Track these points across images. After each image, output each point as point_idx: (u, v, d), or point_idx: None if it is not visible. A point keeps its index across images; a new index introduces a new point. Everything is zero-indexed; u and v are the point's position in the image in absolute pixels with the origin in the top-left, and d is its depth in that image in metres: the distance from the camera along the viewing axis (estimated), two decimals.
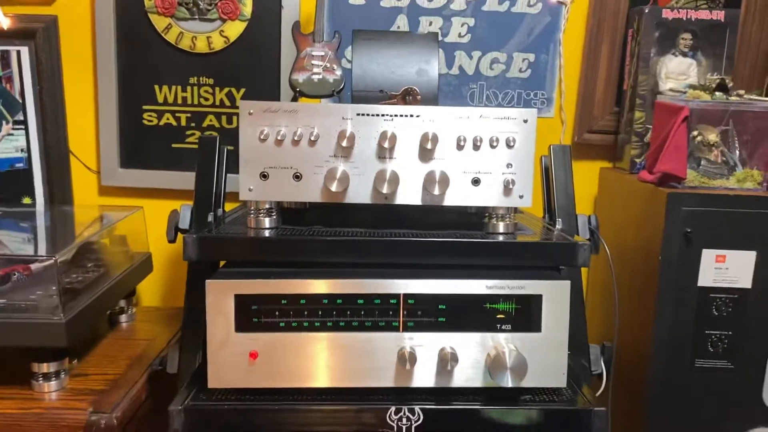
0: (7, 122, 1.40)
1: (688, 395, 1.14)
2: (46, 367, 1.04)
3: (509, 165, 1.01)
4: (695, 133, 1.11)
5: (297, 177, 1.00)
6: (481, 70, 1.46)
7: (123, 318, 1.34)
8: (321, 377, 0.93)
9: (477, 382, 0.95)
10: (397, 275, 0.95)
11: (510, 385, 0.92)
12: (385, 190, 0.98)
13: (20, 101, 1.39)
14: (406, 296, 0.94)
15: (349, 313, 0.94)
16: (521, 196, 1.02)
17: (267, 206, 1.03)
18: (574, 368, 1.06)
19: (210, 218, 1.10)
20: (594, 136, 1.45)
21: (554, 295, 0.94)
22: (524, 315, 0.94)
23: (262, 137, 0.99)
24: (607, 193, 1.42)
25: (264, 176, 1.00)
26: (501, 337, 0.94)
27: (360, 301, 0.94)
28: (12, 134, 1.41)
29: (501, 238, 1.01)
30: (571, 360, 1.07)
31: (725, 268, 1.10)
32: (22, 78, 1.39)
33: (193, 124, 1.44)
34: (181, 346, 1.06)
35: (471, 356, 0.94)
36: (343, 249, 0.96)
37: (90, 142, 1.45)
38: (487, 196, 1.01)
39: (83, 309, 1.07)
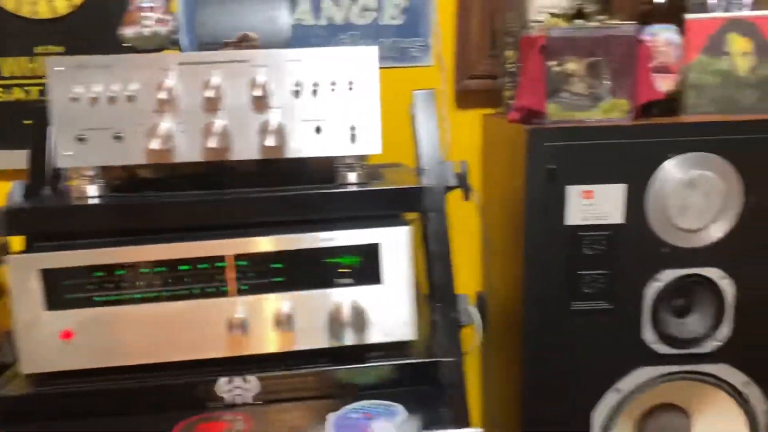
0: None
1: (567, 340, 1.09)
2: None
3: (352, 109, 0.94)
4: (553, 63, 1.04)
5: (118, 138, 0.92)
6: (352, 19, 1.38)
7: None
8: (146, 353, 0.86)
9: (318, 343, 0.88)
10: (224, 236, 0.87)
11: (352, 342, 0.86)
12: (212, 144, 0.90)
13: None
14: (237, 257, 0.86)
15: (171, 281, 0.86)
16: (368, 142, 0.95)
17: (91, 173, 0.94)
18: (441, 321, 1.01)
19: (47, 192, 1.02)
20: (474, 82, 1.38)
21: (393, 244, 0.87)
22: (363, 267, 0.87)
23: (73, 96, 0.90)
24: (490, 140, 1.36)
25: (81, 139, 0.91)
26: (340, 292, 0.87)
27: (184, 267, 0.86)
28: None
29: (353, 189, 0.94)
30: (440, 312, 1.02)
31: (594, 204, 1.05)
32: None
33: (43, 98, 1.33)
34: None
35: (310, 316, 0.87)
36: (159, 212, 0.89)
37: None
38: (332, 145, 0.94)
39: None
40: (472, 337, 1.09)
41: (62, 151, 0.91)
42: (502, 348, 1.22)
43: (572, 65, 1.06)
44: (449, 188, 1.09)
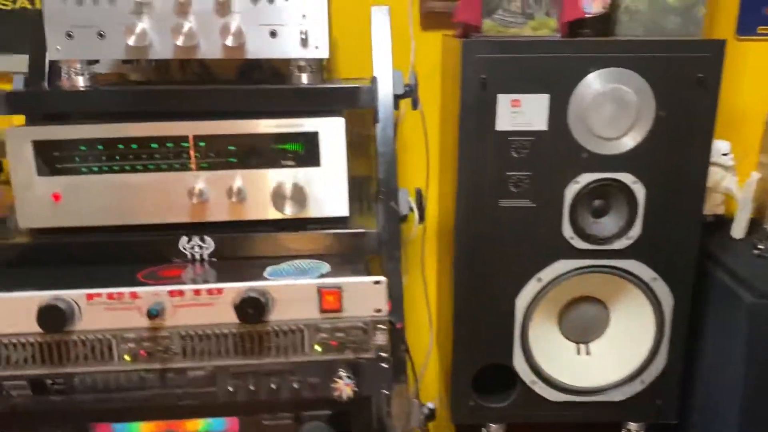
0: None
1: (494, 233, 1.23)
2: None
3: (304, 16, 1.07)
4: None
5: (101, 35, 1.06)
6: None
7: None
8: (120, 216, 1.03)
9: (267, 215, 1.04)
10: (189, 120, 1.02)
11: (292, 214, 1.02)
12: (180, 42, 1.05)
13: None
14: (197, 138, 1.02)
15: (144, 156, 1.02)
16: (317, 47, 1.08)
17: (78, 66, 1.09)
18: (383, 210, 1.16)
19: (44, 87, 1.17)
20: (438, 4, 1.50)
21: (330, 132, 1.02)
22: (304, 151, 1.03)
23: None
24: (446, 58, 1.48)
25: (69, 35, 1.06)
26: (284, 172, 1.03)
27: (153, 145, 1.02)
28: None
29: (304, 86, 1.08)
30: (382, 203, 1.17)
31: (521, 112, 1.18)
32: None
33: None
34: None
35: (260, 191, 1.03)
36: (134, 98, 1.04)
37: None
38: (284, 48, 1.08)
39: None
40: (410, 228, 1.25)
41: (53, 46, 1.06)
42: (440, 241, 1.38)
43: None
44: (398, 96, 1.23)
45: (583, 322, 1.34)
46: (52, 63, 1.21)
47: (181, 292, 0.88)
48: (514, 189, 1.22)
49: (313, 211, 1.03)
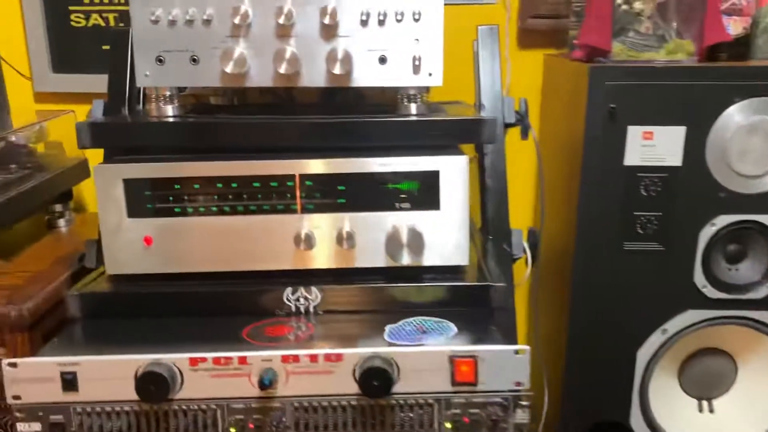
0: None
1: (616, 279, 1.11)
2: None
3: (417, 40, 0.96)
4: (620, 1, 1.04)
5: (194, 60, 0.96)
6: None
7: (61, 222, 1.35)
8: (217, 262, 0.92)
9: (377, 262, 0.93)
10: (293, 157, 0.92)
11: (408, 263, 0.90)
12: (283, 70, 0.95)
13: None
14: (303, 177, 0.91)
15: (245, 196, 0.92)
16: (430, 74, 0.97)
17: (167, 93, 1.00)
18: (494, 253, 1.04)
19: (124, 112, 1.08)
20: (539, 21, 1.38)
21: (451, 171, 0.90)
22: (422, 192, 0.91)
23: (154, 18, 0.95)
24: (550, 81, 1.36)
25: (160, 60, 0.97)
26: (399, 215, 0.91)
27: (256, 184, 0.91)
28: None
29: (415, 118, 0.97)
30: (493, 245, 1.06)
31: (653, 146, 1.05)
32: None
33: (122, 24, 1.39)
34: (98, 241, 1.06)
35: (370, 236, 0.92)
36: (230, 132, 0.94)
37: (20, 47, 1.42)
38: (395, 75, 0.97)
39: None
40: (522, 270, 1.13)
41: (141, 72, 0.97)
42: (552, 284, 1.25)
43: (640, 4, 1.05)
44: (508, 125, 1.11)
45: (707, 376, 1.20)
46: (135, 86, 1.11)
47: (296, 358, 0.77)
48: (642, 231, 1.09)
49: (430, 260, 0.92)
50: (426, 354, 0.78)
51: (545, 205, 1.23)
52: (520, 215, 1.45)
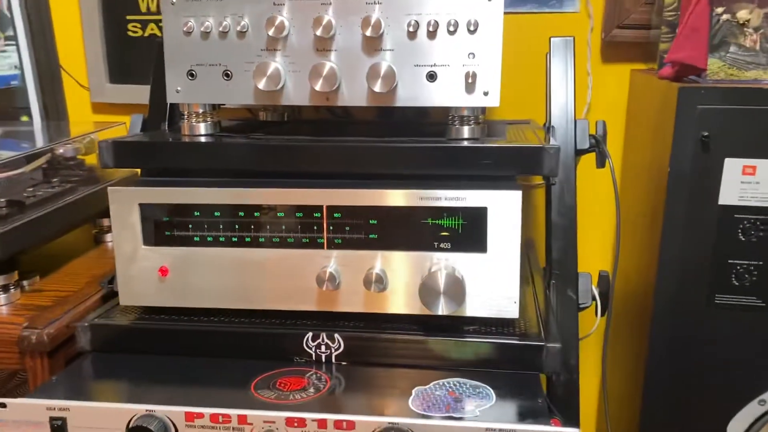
0: None
1: (704, 338, 0.94)
2: None
3: (471, 55, 0.84)
4: (720, 11, 0.87)
5: (227, 75, 0.89)
6: None
7: (108, 237, 1.31)
8: (235, 298, 0.83)
9: (412, 308, 0.81)
10: (321, 185, 0.81)
11: (443, 312, 0.78)
12: (319, 87, 0.85)
13: (9, 15, 1.36)
14: (331, 209, 0.81)
15: (269, 227, 0.82)
16: (486, 93, 0.85)
17: (200, 110, 0.93)
18: (557, 300, 0.90)
19: (164, 128, 1.02)
20: (626, 32, 1.21)
21: (501, 208, 0.77)
22: (466, 231, 0.78)
23: (186, 30, 0.88)
24: (637, 101, 1.19)
25: (191, 75, 0.90)
26: (438, 257, 0.79)
27: (280, 214, 0.82)
28: (5, 51, 1.39)
29: (465, 144, 0.85)
30: (557, 290, 0.91)
31: (755, 182, 0.88)
32: None
33: None
34: None
35: (405, 279, 0.80)
36: (258, 155, 0.85)
37: (80, 56, 1.40)
38: (446, 94, 0.85)
39: (27, 222, 1.02)
40: (591, 321, 0.98)
41: (173, 87, 0.90)
42: (626, 339, 1.09)
43: (744, 13, 0.87)
44: (580, 151, 0.96)
45: None
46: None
47: (302, 422, 0.67)
48: (737, 282, 0.92)
49: (473, 310, 0.79)
50: (453, 430, 0.65)
51: (621, 246, 1.07)
52: (592, 256, 1.29)
